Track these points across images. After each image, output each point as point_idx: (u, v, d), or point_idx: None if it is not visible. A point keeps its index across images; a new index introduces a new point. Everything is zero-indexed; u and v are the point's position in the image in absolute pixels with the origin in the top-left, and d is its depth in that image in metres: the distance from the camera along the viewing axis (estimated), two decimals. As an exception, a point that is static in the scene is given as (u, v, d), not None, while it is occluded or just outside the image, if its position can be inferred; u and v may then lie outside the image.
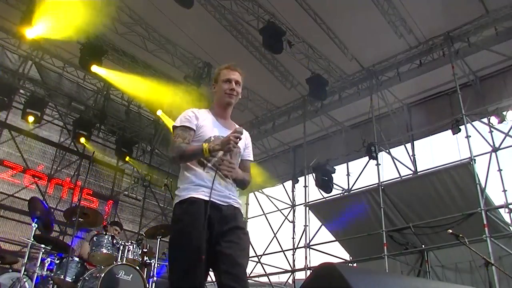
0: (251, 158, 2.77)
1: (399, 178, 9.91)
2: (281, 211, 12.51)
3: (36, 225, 5.08)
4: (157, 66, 10.50)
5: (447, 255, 8.50)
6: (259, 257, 11.82)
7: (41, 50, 10.07)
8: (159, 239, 5.71)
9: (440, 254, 8.67)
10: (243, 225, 2.47)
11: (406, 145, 10.47)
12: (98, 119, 11.26)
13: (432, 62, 9.36)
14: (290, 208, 12.47)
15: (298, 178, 12.57)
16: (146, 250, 5.88)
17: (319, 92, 9.83)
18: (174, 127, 2.59)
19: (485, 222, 7.18)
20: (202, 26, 9.24)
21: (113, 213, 11.45)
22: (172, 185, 6.39)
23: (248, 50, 9.89)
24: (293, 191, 12.74)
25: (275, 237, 12.03)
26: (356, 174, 11.40)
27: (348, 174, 11.80)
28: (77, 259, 5.25)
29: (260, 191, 12.71)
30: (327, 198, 11.00)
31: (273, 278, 12.13)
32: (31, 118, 9.68)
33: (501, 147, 8.88)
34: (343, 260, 10.38)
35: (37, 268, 4.96)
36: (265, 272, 11.77)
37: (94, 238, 5.31)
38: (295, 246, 11.59)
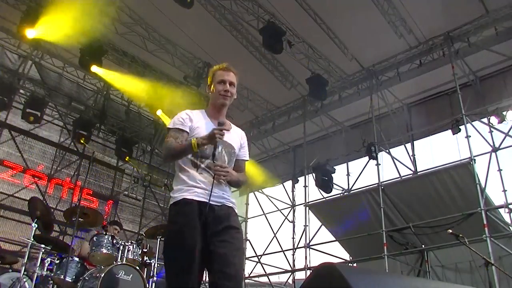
0: (247, 158, 2.78)
1: (399, 178, 9.91)
2: (281, 211, 12.51)
3: (36, 225, 5.09)
4: (157, 66, 10.49)
5: (447, 255, 8.50)
6: (259, 257, 11.81)
7: (41, 50, 10.06)
8: (159, 239, 5.73)
9: (440, 254, 8.67)
10: (237, 225, 2.48)
11: (406, 145, 10.47)
12: (98, 119, 11.25)
13: (432, 62, 9.37)
14: (290, 208, 12.47)
15: (298, 178, 12.57)
16: (146, 250, 5.88)
17: (319, 92, 9.84)
18: (168, 129, 2.61)
19: (485, 222, 7.18)
20: (202, 26, 9.24)
21: (113, 213, 11.44)
22: (172, 185, 6.39)
23: (248, 50, 9.89)
24: (293, 191, 12.74)
25: (275, 237, 12.02)
26: (356, 174, 11.42)
27: (348, 174, 11.80)
28: (77, 259, 5.25)
29: (260, 191, 12.70)
30: (327, 198, 11.00)
31: (273, 278, 12.14)
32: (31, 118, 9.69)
33: (501, 147, 8.88)
34: (343, 260, 10.38)
35: (37, 268, 4.96)
36: (265, 272, 11.77)
37: (94, 238, 5.31)
38: (295, 246, 11.59)
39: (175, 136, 2.53)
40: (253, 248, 11.93)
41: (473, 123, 8.59)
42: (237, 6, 8.78)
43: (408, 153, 10.43)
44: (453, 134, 9.18)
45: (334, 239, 10.17)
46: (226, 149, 2.60)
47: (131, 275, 4.99)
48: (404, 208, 8.85)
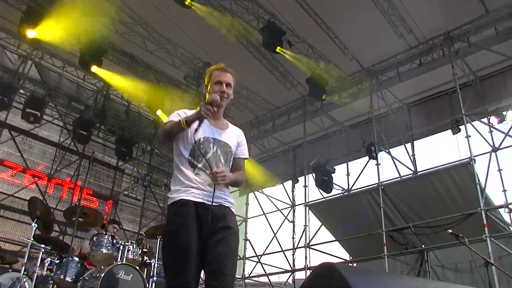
0: (246, 156, 2.78)
1: (399, 178, 9.91)
2: (281, 211, 12.50)
3: (36, 225, 5.09)
4: (157, 66, 10.50)
5: (447, 255, 8.50)
6: (259, 257, 11.81)
7: (41, 50, 10.06)
8: (159, 239, 5.72)
9: (440, 254, 8.67)
10: (232, 225, 2.49)
11: (406, 145, 10.47)
12: (98, 119, 11.26)
13: (432, 62, 9.37)
14: (290, 208, 12.46)
15: (298, 178, 12.57)
16: (146, 250, 5.88)
17: (319, 92, 9.83)
18: (163, 124, 2.65)
19: (485, 222, 7.18)
20: (202, 26, 9.24)
21: (113, 213, 11.44)
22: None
23: (248, 50, 9.89)
24: (293, 191, 12.73)
25: (275, 237, 12.02)
26: (356, 174, 11.41)
27: (348, 174, 11.80)
28: (77, 259, 5.25)
29: (260, 191, 12.70)
30: (327, 198, 11.00)
31: (273, 278, 12.15)
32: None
33: (501, 147, 8.88)
34: (343, 260, 10.37)
35: (37, 268, 4.96)
36: (265, 272, 11.77)
37: (94, 238, 5.31)
38: (295, 246, 11.58)
39: (167, 124, 2.57)
40: (253, 248, 11.94)
41: (473, 123, 8.59)
42: (237, 6, 8.78)
43: (408, 153, 10.44)
44: (453, 134, 9.19)
45: (334, 239, 10.16)
46: (222, 149, 2.61)
47: (131, 275, 4.99)
48: (404, 208, 8.85)
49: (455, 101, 8.85)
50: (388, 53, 9.71)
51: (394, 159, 10.20)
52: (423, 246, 8.52)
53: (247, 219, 12.35)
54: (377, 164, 9.41)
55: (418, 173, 9.86)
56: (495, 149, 8.89)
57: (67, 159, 11.03)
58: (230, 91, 2.67)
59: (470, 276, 8.09)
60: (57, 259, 5.16)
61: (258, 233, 12.67)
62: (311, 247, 10.08)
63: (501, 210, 8.09)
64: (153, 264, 5.77)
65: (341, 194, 11.27)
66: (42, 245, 5.12)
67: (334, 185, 11.11)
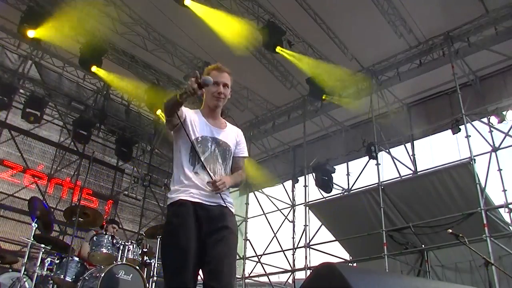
0: (245, 155, 2.79)
1: (399, 178, 9.92)
2: (281, 211, 12.50)
3: (36, 225, 5.09)
4: (157, 66, 10.50)
5: (447, 255, 8.50)
6: (259, 257, 11.81)
7: (41, 50, 10.06)
8: (159, 239, 5.71)
9: (440, 254, 8.67)
10: (231, 225, 2.50)
11: (406, 145, 10.47)
12: (98, 119, 11.26)
13: (432, 62, 9.36)
14: (290, 208, 12.46)
15: (298, 178, 12.56)
16: (146, 250, 5.87)
17: (319, 92, 9.83)
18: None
19: (485, 222, 7.18)
20: (202, 26, 9.22)
21: (113, 213, 11.44)
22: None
23: (248, 50, 9.88)
24: (293, 191, 12.73)
25: (275, 237, 12.02)
26: (356, 174, 11.42)
27: (348, 174, 11.80)
28: (77, 258, 5.25)
29: (260, 191, 12.70)
30: (327, 198, 11.01)
31: (273, 278, 12.15)
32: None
33: (501, 147, 8.89)
34: (343, 260, 10.37)
35: (37, 268, 4.96)
36: (265, 272, 11.77)
37: (94, 238, 5.31)
38: (295, 246, 11.58)
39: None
40: (253, 248, 11.94)
41: (473, 123, 8.60)
42: (237, 6, 8.78)
43: (408, 153, 10.44)
44: (453, 134, 9.18)
45: (334, 239, 10.17)
46: (220, 147, 2.62)
47: (131, 275, 4.99)
48: (404, 208, 8.85)
49: (455, 101, 8.85)
50: (388, 53, 9.71)
51: (394, 159, 10.21)
52: (423, 246, 8.53)
53: (247, 219, 12.36)
54: (377, 164, 9.42)
55: (418, 173, 9.86)
56: (495, 149, 8.90)
57: (67, 159, 11.03)
58: (227, 91, 2.69)
59: (470, 276, 8.09)
60: (57, 259, 5.15)
61: (258, 233, 12.69)
62: (311, 247, 10.08)
63: (501, 210, 8.10)
64: (153, 264, 5.77)
65: (341, 194, 11.27)
66: (42, 245, 5.12)
67: (334, 185, 11.12)
